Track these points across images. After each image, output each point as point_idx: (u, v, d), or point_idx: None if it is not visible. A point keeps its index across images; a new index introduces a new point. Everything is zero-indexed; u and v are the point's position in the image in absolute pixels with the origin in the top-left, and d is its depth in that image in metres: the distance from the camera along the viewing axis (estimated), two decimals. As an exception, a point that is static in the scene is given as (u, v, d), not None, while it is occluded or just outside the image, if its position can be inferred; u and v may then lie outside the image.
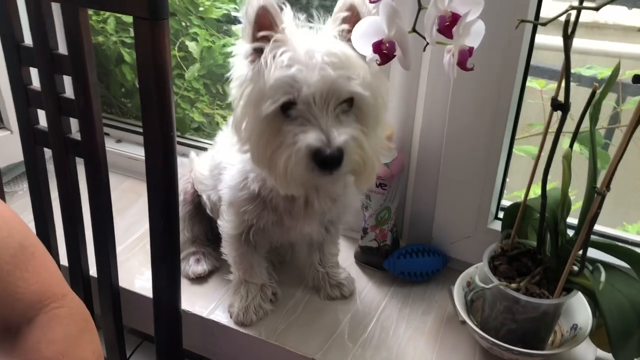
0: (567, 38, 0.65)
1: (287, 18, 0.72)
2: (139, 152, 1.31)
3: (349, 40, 0.69)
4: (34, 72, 0.85)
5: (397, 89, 0.96)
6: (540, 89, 1.05)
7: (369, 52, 0.66)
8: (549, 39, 0.98)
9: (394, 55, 0.64)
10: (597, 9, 0.55)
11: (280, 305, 0.97)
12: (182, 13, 1.30)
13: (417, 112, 0.96)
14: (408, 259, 1.00)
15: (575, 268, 0.77)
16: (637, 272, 0.78)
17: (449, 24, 0.62)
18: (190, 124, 1.35)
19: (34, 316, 0.62)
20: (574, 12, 0.62)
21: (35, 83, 0.86)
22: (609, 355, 0.84)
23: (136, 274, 1.04)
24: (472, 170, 0.93)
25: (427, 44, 0.64)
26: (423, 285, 1.02)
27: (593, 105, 0.73)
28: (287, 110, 0.70)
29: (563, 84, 0.69)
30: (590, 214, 0.70)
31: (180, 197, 1.01)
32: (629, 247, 0.78)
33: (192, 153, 1.07)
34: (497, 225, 0.97)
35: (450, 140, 0.92)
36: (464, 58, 0.63)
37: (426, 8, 0.64)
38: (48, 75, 0.82)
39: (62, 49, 0.80)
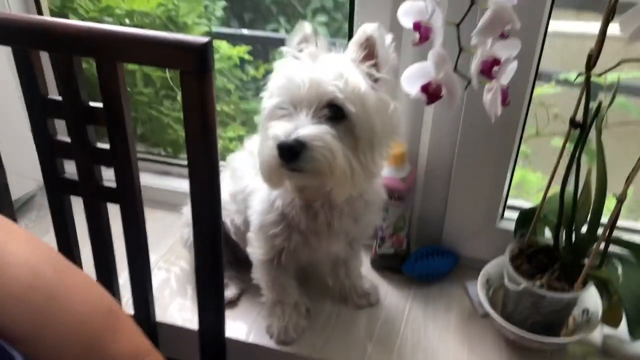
0: (589, 70, 0.72)
1: (313, 42, 0.81)
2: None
3: (361, 60, 0.79)
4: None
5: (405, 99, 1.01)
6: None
7: (413, 91, 0.71)
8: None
9: (441, 96, 0.70)
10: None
11: (314, 320, 1.02)
12: (162, 29, 1.30)
13: (426, 118, 1.02)
14: (425, 261, 1.07)
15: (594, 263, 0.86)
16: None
17: (489, 66, 0.68)
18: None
19: None
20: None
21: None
22: (615, 331, 0.95)
23: (165, 306, 1.06)
24: (483, 175, 1.00)
25: (468, 83, 0.70)
26: (438, 284, 1.10)
27: (600, 119, 0.82)
28: (280, 110, 0.78)
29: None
30: (611, 218, 0.79)
31: (203, 226, 1.03)
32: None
33: (207, 180, 1.09)
34: (504, 224, 1.06)
35: (463, 148, 0.99)
36: (505, 96, 0.69)
37: (466, 51, 0.70)
38: (79, 127, 0.81)
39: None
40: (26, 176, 1.23)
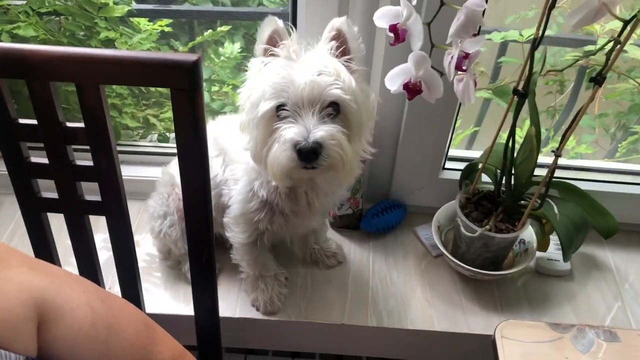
0: (533, 50, 0.83)
1: (289, 38, 0.83)
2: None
3: (337, 56, 0.83)
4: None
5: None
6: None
7: (394, 88, 0.79)
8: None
9: (422, 91, 0.78)
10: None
11: (292, 286, 1.11)
12: (80, 15, 1.23)
13: (372, 85, 1.09)
14: (380, 217, 1.19)
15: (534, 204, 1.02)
16: (566, 196, 1.06)
17: (460, 60, 0.77)
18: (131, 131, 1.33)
19: None
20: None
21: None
22: (543, 254, 1.14)
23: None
24: (428, 135, 1.11)
25: (441, 75, 0.79)
26: (392, 234, 1.22)
27: (533, 82, 0.94)
28: (279, 111, 0.81)
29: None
30: (549, 170, 0.93)
31: (175, 217, 1.06)
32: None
33: (169, 169, 1.09)
34: (445, 175, 1.19)
35: (410, 112, 1.08)
36: (475, 83, 0.79)
37: (438, 47, 0.78)
38: (59, 148, 0.80)
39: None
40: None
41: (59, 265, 0.95)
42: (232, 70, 1.39)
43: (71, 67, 0.72)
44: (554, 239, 1.15)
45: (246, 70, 0.88)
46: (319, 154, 0.78)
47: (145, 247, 1.20)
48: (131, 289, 0.95)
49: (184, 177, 0.82)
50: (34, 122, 0.78)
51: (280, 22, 0.84)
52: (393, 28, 0.76)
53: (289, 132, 0.79)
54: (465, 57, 0.76)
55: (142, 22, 1.31)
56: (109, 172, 0.82)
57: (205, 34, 1.33)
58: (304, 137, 0.77)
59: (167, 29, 1.33)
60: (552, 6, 0.79)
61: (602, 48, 0.79)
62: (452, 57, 0.75)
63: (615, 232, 1.08)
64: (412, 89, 0.77)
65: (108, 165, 0.81)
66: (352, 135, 0.83)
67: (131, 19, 1.31)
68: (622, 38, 0.76)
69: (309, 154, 0.77)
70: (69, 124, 0.79)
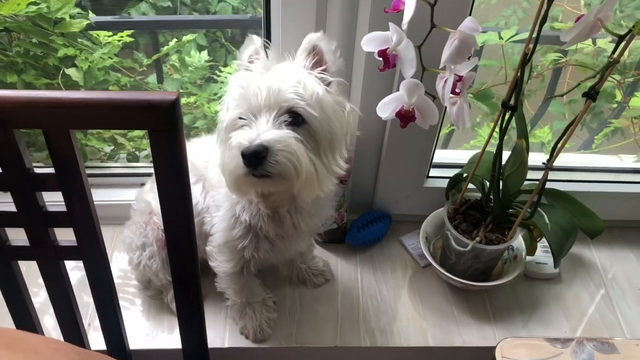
0: (524, 65, 0.80)
1: (263, 54, 0.80)
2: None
3: (311, 68, 0.80)
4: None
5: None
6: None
7: (386, 115, 0.75)
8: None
9: (415, 118, 0.74)
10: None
11: (280, 309, 1.07)
12: (34, 32, 1.15)
13: (354, 97, 1.04)
14: (366, 229, 1.16)
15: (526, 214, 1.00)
16: (554, 202, 1.04)
17: (454, 84, 0.73)
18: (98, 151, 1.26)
19: None
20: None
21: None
22: (533, 258, 1.13)
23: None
24: (413, 144, 1.08)
25: (434, 99, 0.75)
26: (378, 245, 1.20)
27: (521, 91, 0.92)
28: (239, 121, 0.78)
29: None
30: (540, 182, 0.91)
31: (154, 247, 1.01)
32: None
33: (143, 195, 1.04)
34: (429, 183, 1.17)
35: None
36: (469, 105, 0.75)
37: (429, 70, 0.74)
38: (27, 196, 0.74)
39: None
40: None
41: (37, 319, 0.89)
42: (200, 80, 1.33)
43: (37, 113, 0.66)
44: (541, 242, 1.14)
45: (215, 82, 0.84)
46: (264, 157, 0.72)
47: (118, 264, 1.15)
48: (112, 327, 0.89)
49: (166, 216, 0.76)
50: (-3, 170, 0.72)
51: (259, 41, 0.81)
52: (382, 53, 0.71)
53: (238, 136, 0.74)
54: (458, 79, 0.73)
55: (102, 34, 1.23)
56: (83, 217, 0.76)
57: (171, 44, 1.26)
58: (250, 141, 0.72)
59: (128, 40, 1.25)
60: (544, 21, 0.76)
61: (600, 71, 0.76)
62: (445, 82, 0.71)
63: (600, 232, 1.07)
64: (404, 116, 0.74)
65: (82, 210, 0.75)
66: (320, 147, 0.78)
67: (90, 32, 1.23)
68: (616, 54, 0.74)
69: (252, 158, 0.72)
70: (37, 170, 0.73)
